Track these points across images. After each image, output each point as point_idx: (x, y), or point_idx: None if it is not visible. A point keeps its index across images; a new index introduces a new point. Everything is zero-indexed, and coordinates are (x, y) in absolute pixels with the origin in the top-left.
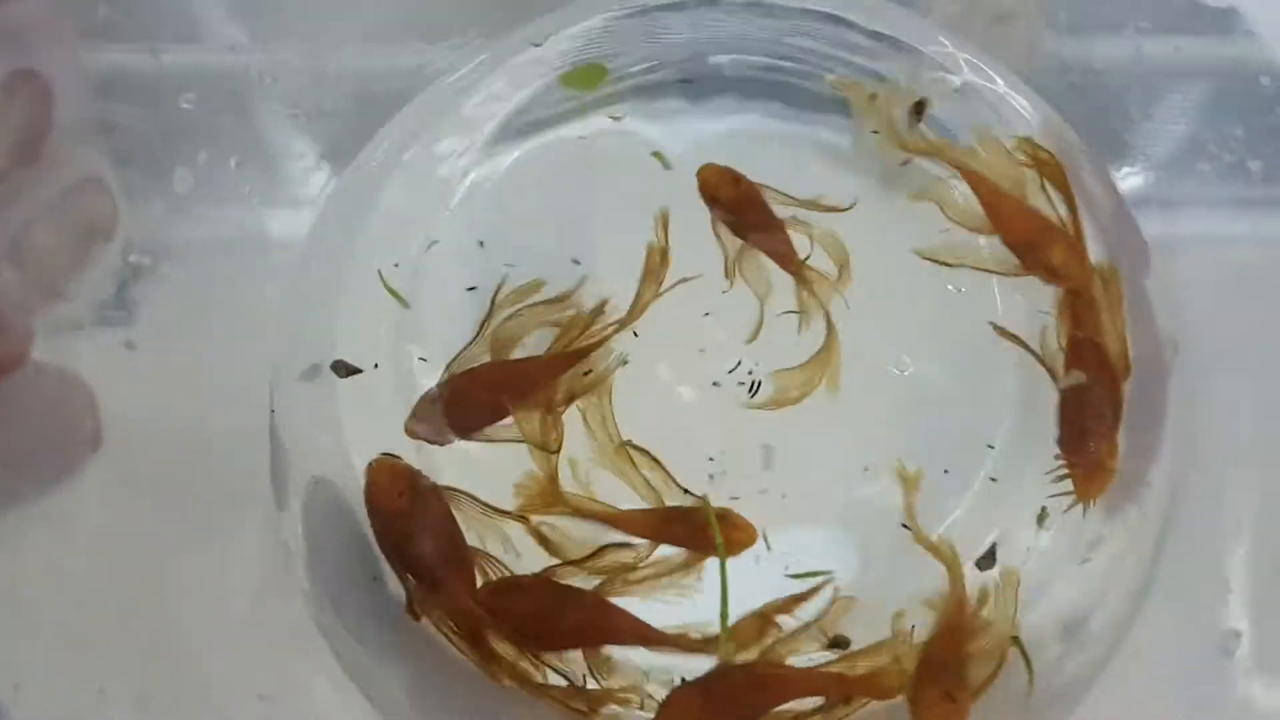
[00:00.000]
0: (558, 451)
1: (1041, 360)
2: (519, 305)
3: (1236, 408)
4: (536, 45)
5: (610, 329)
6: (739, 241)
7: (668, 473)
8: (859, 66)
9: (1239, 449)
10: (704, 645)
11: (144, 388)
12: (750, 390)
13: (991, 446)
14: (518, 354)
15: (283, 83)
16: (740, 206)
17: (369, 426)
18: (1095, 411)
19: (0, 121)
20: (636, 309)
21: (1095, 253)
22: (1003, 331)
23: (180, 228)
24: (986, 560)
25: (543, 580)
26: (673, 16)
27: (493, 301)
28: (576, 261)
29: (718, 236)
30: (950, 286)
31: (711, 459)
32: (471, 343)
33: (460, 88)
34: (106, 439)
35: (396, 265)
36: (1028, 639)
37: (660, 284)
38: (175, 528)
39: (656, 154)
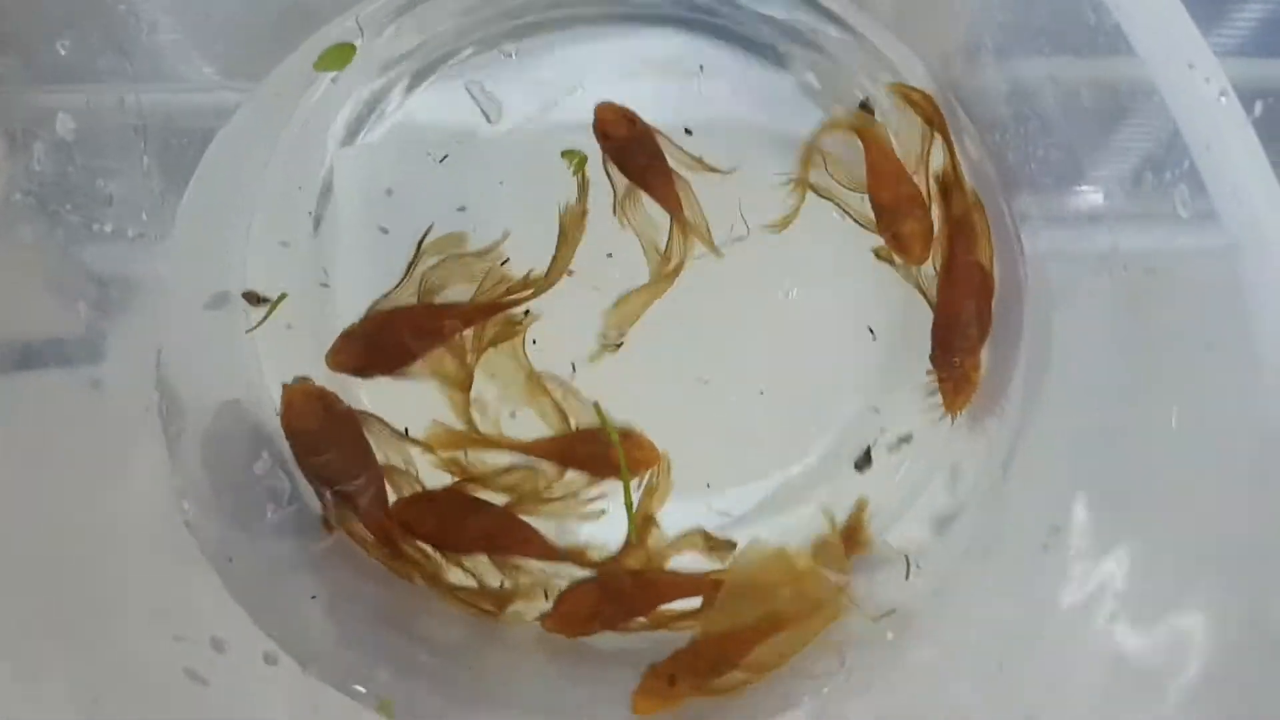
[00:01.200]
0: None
1: (917, 285)
2: (444, 254)
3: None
4: None
5: (530, 291)
6: (626, 181)
7: (577, 393)
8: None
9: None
10: (598, 563)
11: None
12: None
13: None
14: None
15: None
16: (631, 147)
17: (279, 352)
18: (963, 330)
19: None
20: (554, 271)
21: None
22: (882, 256)
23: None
24: (863, 461)
25: (451, 492)
26: None
27: (419, 247)
28: (462, 209)
29: (608, 174)
30: (835, 215)
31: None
32: (399, 284)
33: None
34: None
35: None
36: (907, 535)
37: (575, 245)
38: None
39: (567, 153)
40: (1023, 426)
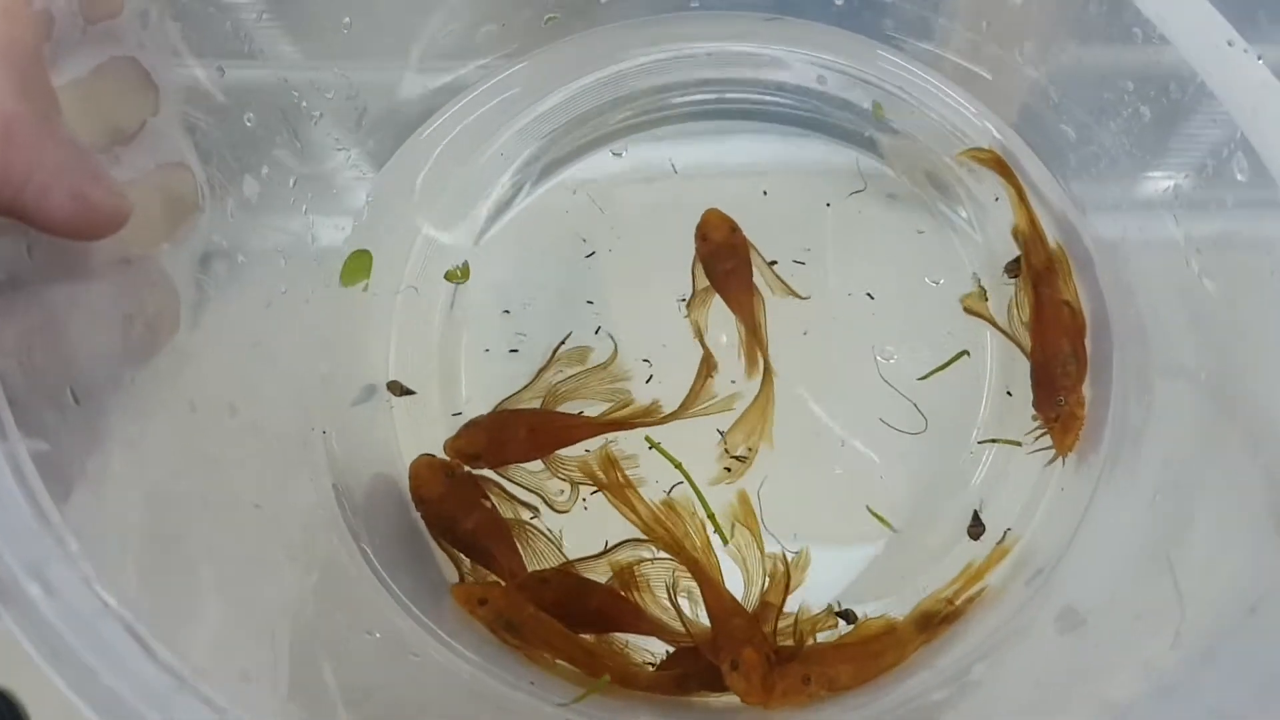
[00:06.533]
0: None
1: (1007, 334)
2: (574, 370)
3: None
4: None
5: (654, 420)
6: (706, 282)
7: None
8: (825, 95)
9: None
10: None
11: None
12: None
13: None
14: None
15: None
16: (722, 252)
17: (415, 437)
18: (1062, 369)
19: (94, 98)
20: (681, 412)
21: (1050, 234)
22: (970, 309)
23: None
24: (975, 528)
25: (562, 573)
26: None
27: (554, 354)
28: (590, 302)
29: (693, 273)
30: (928, 280)
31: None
32: (526, 387)
33: (474, 131)
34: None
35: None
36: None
37: (702, 389)
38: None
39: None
40: (1117, 455)
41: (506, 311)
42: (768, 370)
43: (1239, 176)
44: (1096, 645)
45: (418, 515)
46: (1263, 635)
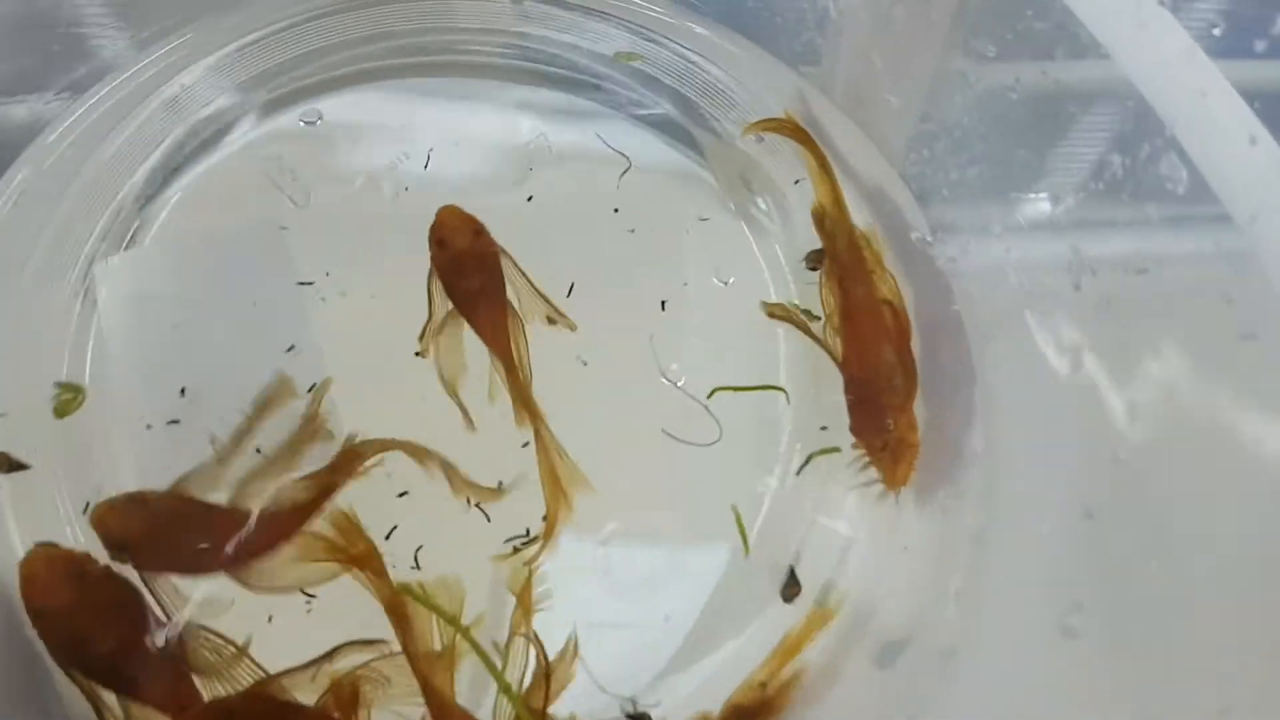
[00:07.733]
0: None
1: (816, 337)
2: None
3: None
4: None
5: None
6: (449, 305)
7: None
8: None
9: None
10: None
11: None
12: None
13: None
14: None
15: None
16: (466, 263)
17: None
18: (886, 384)
19: None
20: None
21: (858, 217)
22: (774, 311)
23: None
24: (790, 587)
25: (254, 698)
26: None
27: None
28: (291, 347)
29: (430, 293)
30: (717, 279)
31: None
32: (220, 461)
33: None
34: None
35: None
36: (849, 668)
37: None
38: None
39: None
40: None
41: (183, 393)
42: (536, 420)
43: (1174, 188)
44: None
45: (34, 634)
46: None
